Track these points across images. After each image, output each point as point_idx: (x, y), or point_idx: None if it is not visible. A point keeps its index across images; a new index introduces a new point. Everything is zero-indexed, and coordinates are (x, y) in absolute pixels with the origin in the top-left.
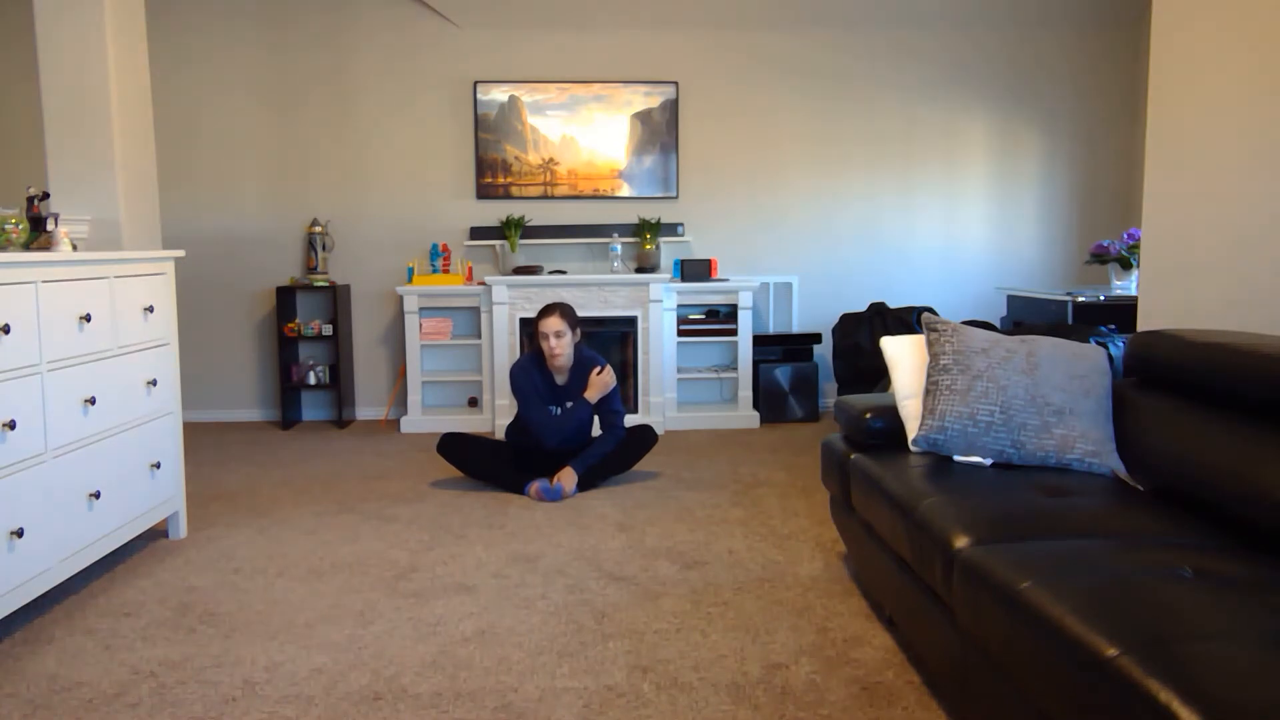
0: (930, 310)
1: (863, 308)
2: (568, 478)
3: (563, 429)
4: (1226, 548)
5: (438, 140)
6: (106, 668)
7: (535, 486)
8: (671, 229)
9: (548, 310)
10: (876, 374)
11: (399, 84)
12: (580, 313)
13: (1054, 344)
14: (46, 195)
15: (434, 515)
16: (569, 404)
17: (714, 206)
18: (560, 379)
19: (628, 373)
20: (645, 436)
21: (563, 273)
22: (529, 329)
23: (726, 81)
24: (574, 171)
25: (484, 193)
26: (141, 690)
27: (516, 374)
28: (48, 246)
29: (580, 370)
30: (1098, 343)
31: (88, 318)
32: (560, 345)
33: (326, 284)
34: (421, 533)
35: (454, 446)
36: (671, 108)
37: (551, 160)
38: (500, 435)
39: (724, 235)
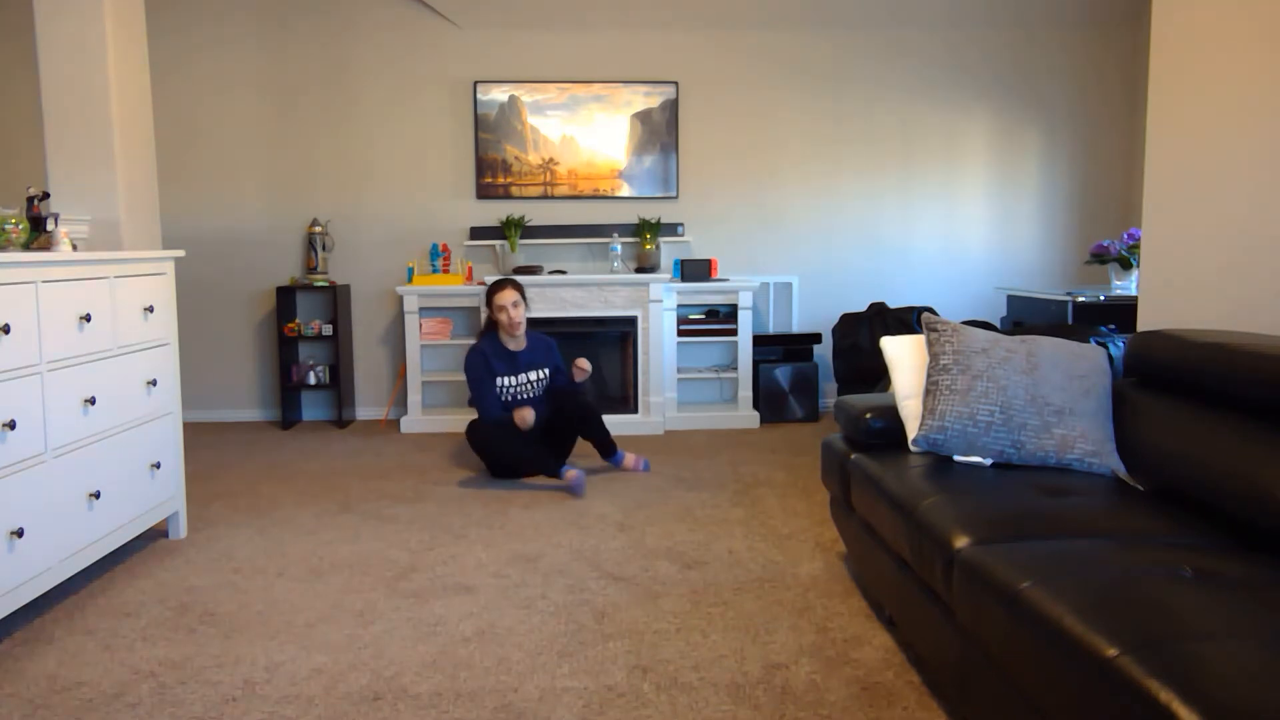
0: (930, 310)
1: (863, 308)
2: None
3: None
4: (1226, 548)
5: (438, 140)
6: (106, 668)
7: (572, 474)
8: (671, 229)
9: (500, 284)
10: (876, 374)
11: (399, 84)
12: (580, 313)
13: (1054, 344)
14: (46, 195)
15: (434, 515)
16: (530, 375)
17: (714, 206)
18: (515, 345)
19: (627, 373)
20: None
21: (563, 273)
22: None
23: (726, 81)
24: (574, 171)
25: (484, 193)
26: (141, 690)
27: (471, 358)
28: (48, 246)
29: (539, 348)
30: (1098, 343)
31: (88, 318)
32: (518, 314)
33: (326, 284)
34: (421, 533)
35: (481, 432)
36: (671, 108)
37: (551, 160)
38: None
39: (724, 235)
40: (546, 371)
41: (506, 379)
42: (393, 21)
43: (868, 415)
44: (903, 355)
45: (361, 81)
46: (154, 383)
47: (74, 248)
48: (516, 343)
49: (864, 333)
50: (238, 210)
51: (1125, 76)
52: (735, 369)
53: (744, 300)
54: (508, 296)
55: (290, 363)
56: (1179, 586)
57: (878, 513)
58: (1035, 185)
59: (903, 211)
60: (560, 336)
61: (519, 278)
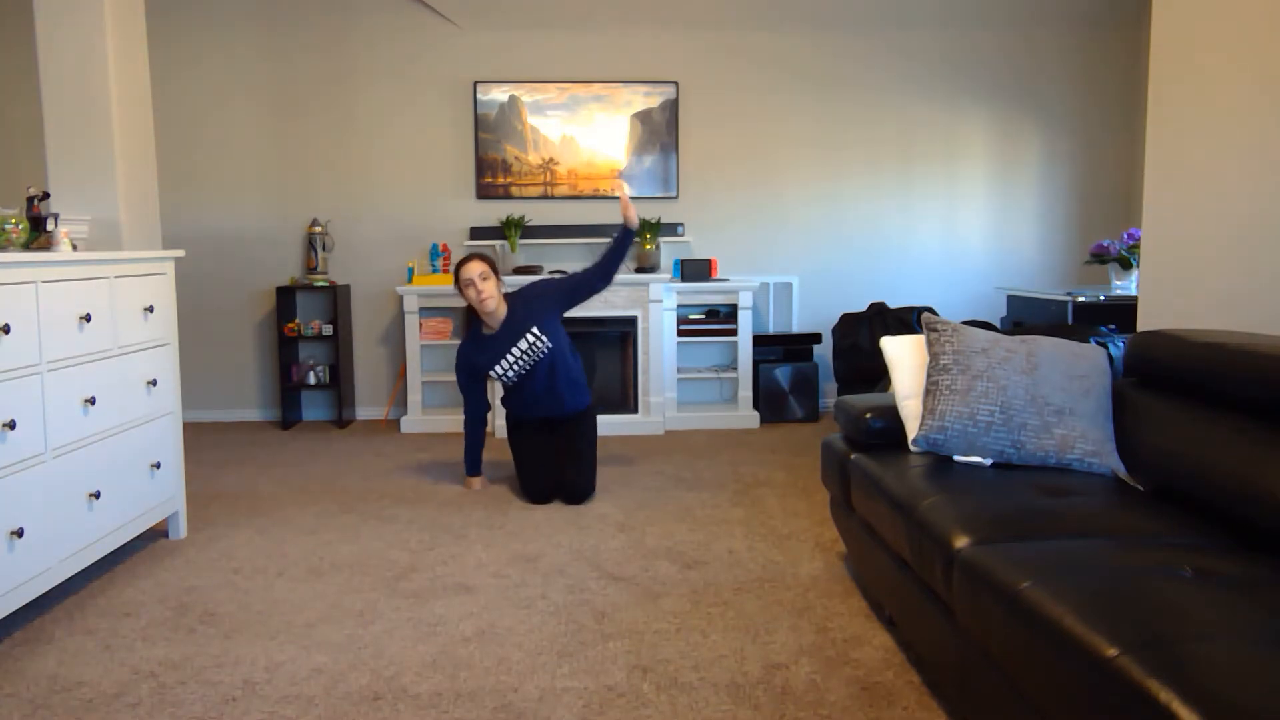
0: (930, 310)
1: (863, 308)
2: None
3: (525, 398)
4: (1226, 548)
5: (438, 140)
6: (106, 668)
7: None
8: (671, 229)
9: (464, 260)
10: (876, 374)
11: (399, 84)
12: (580, 313)
13: (1054, 344)
14: (46, 195)
15: (434, 515)
16: (519, 346)
17: (714, 206)
18: (492, 326)
19: (627, 373)
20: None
21: (563, 273)
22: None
23: (726, 81)
24: (574, 171)
25: (484, 193)
26: (141, 690)
27: (456, 360)
28: (48, 246)
29: (518, 310)
30: (1098, 343)
31: (88, 318)
32: (487, 288)
33: (326, 284)
34: (421, 533)
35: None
36: (671, 108)
37: (551, 160)
38: (501, 435)
39: (724, 235)
40: (536, 329)
41: (499, 366)
42: (393, 22)
43: (868, 415)
44: (903, 355)
45: (361, 81)
46: (154, 383)
47: (74, 248)
48: (493, 322)
49: (864, 333)
50: (238, 210)
51: (1125, 76)
52: (735, 369)
53: (744, 300)
54: (474, 269)
55: (290, 363)
56: (1178, 586)
57: (878, 513)
58: (1035, 185)
59: (903, 211)
60: None
61: (487, 254)
